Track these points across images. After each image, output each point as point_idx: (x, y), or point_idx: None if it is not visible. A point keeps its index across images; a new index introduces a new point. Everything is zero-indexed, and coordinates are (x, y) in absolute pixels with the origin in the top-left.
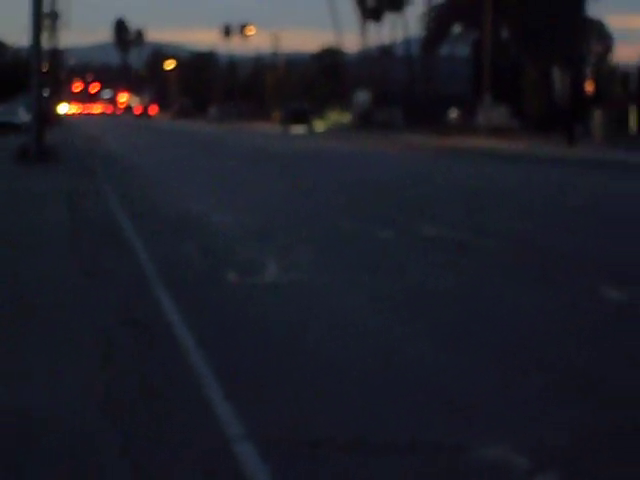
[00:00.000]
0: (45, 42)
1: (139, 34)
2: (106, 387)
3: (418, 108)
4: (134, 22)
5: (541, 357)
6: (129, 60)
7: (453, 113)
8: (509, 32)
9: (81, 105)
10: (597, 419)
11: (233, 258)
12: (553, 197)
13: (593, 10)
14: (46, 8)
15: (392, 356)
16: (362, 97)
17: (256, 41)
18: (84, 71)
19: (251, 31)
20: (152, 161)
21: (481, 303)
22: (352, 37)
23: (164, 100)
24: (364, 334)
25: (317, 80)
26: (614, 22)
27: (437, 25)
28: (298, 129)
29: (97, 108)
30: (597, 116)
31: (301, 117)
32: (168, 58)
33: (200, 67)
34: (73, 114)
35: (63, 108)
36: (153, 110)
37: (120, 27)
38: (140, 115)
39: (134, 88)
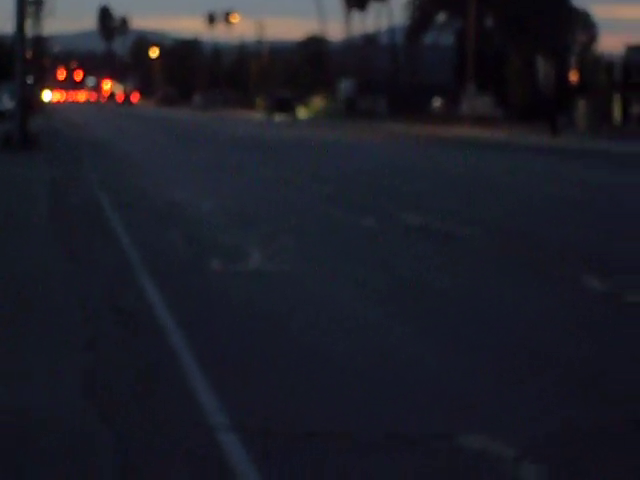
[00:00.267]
0: (29, 29)
1: (123, 22)
2: (90, 372)
3: (402, 97)
4: (118, 10)
5: (526, 347)
6: (113, 48)
7: (437, 102)
8: (493, 21)
9: (65, 92)
10: (589, 411)
11: (217, 246)
12: (536, 186)
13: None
14: None
15: (375, 344)
16: (346, 85)
17: (240, 29)
18: (68, 58)
19: (235, 19)
20: (136, 148)
21: (465, 293)
22: (336, 25)
23: (148, 88)
24: (346, 322)
25: (301, 68)
26: (599, 12)
27: (421, 14)
28: (282, 117)
29: (81, 95)
30: (581, 106)
31: (285, 105)
32: (152, 46)
33: (184, 55)
34: (57, 101)
35: (47, 95)
36: (135, 97)
37: (104, 15)
38: (122, 102)
39: (118, 76)
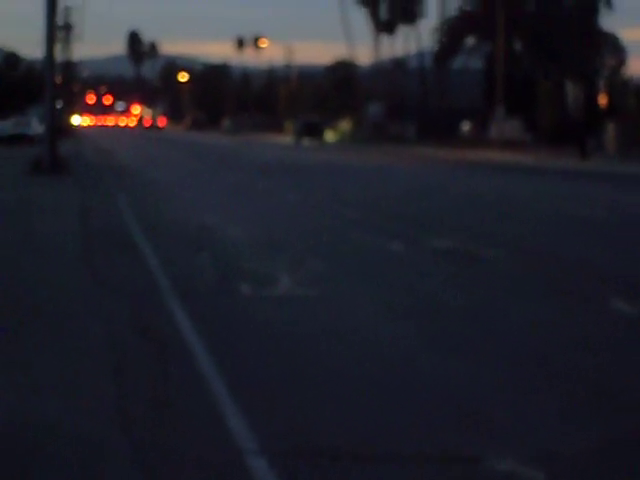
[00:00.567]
0: (59, 54)
1: (153, 46)
2: (118, 396)
3: (431, 121)
4: (148, 35)
5: (550, 369)
6: (143, 72)
7: (466, 126)
8: (522, 44)
9: (94, 117)
10: (611, 430)
11: (246, 270)
12: (565, 210)
13: (607, 23)
14: (60, 21)
15: (403, 368)
16: (375, 109)
17: (269, 53)
18: (98, 83)
19: (264, 43)
20: (164, 173)
21: (493, 316)
22: (365, 50)
23: (178, 112)
24: (375, 347)
25: (330, 92)
26: (628, 35)
27: (450, 37)
28: (310, 141)
29: (110, 120)
30: (610, 129)
31: (313, 129)
32: (181, 70)
33: (213, 79)
34: (86, 126)
35: (76, 120)
36: (162, 122)
37: (134, 39)
38: (150, 127)
39: (147, 100)
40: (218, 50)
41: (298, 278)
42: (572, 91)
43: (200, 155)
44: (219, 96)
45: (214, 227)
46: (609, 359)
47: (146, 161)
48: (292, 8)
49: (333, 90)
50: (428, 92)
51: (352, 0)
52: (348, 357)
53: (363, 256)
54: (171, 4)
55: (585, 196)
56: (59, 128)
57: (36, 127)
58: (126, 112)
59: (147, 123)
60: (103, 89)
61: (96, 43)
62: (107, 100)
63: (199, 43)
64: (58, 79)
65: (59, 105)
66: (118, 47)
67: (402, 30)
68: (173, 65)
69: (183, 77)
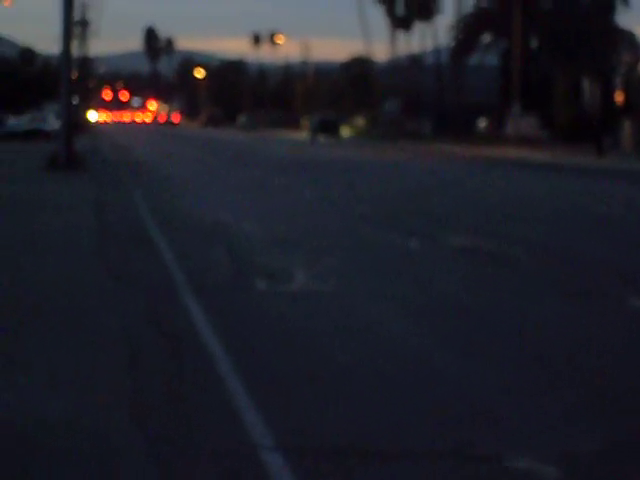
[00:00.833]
0: (75, 50)
1: (169, 42)
2: (133, 391)
3: (447, 117)
4: (164, 30)
5: (568, 367)
6: (159, 68)
7: (482, 123)
8: (539, 41)
9: (111, 113)
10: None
11: (261, 265)
12: (582, 207)
13: (624, 20)
14: (77, 16)
15: (416, 366)
16: (391, 106)
17: (286, 50)
18: (114, 79)
19: (280, 40)
20: (180, 169)
21: (511, 313)
22: (381, 46)
23: (194, 108)
24: (388, 344)
25: (346, 89)
26: None
27: (466, 34)
28: (326, 138)
29: (127, 116)
30: (627, 126)
31: (329, 126)
32: (198, 66)
33: (230, 75)
34: (103, 122)
35: (93, 116)
36: (176, 118)
37: (150, 35)
38: (164, 123)
39: (164, 96)
40: (234, 46)
41: (313, 274)
42: (588, 88)
43: (216, 151)
44: (235, 92)
45: (230, 223)
46: (628, 358)
47: (161, 157)
48: (309, 4)
49: (349, 86)
50: (444, 89)
51: None
52: (361, 353)
53: (379, 252)
54: (188, 0)
55: (602, 193)
56: (75, 124)
57: (52, 123)
58: (142, 108)
59: (162, 119)
60: (119, 85)
61: (113, 39)
62: (123, 96)
63: (215, 39)
64: (74, 75)
65: (75, 101)
66: (135, 43)
67: (418, 27)
68: (189, 61)
69: (199, 73)
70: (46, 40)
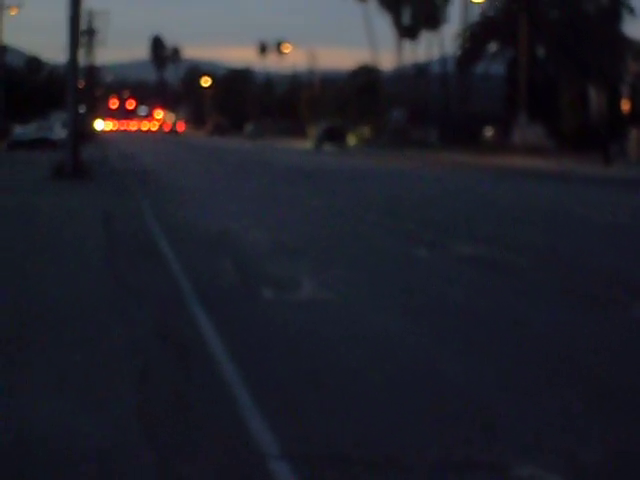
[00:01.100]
0: (82, 59)
1: (175, 51)
2: (141, 400)
3: (453, 126)
4: (170, 39)
5: (574, 374)
6: (165, 77)
7: (489, 132)
8: (545, 50)
9: (117, 122)
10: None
11: (268, 275)
12: (589, 216)
13: (630, 29)
14: (83, 25)
15: (421, 373)
16: (397, 114)
17: (292, 58)
18: (121, 88)
19: (287, 48)
20: (187, 178)
21: (516, 320)
22: (388, 55)
23: (201, 117)
24: (394, 352)
25: (352, 97)
26: None
27: (472, 43)
28: (332, 146)
29: (133, 125)
30: (633, 135)
31: (335, 134)
32: (204, 75)
33: (236, 84)
34: (109, 130)
35: (99, 124)
36: (180, 127)
37: (157, 44)
38: (169, 132)
39: (170, 105)
40: (241, 55)
41: (320, 283)
42: (595, 97)
43: (222, 160)
44: (242, 101)
45: (236, 232)
46: (629, 365)
47: (168, 166)
48: (315, 13)
49: (355, 95)
50: (450, 97)
51: (375, 6)
52: (366, 361)
53: (386, 261)
54: (194, 9)
55: (608, 202)
56: (82, 133)
57: (59, 131)
58: (149, 117)
59: (167, 128)
60: (126, 94)
61: (119, 48)
62: (130, 105)
63: (222, 48)
64: (81, 84)
65: (82, 110)
66: (141, 52)
67: (425, 35)
68: (196, 70)
69: (206, 82)
70: (53, 49)
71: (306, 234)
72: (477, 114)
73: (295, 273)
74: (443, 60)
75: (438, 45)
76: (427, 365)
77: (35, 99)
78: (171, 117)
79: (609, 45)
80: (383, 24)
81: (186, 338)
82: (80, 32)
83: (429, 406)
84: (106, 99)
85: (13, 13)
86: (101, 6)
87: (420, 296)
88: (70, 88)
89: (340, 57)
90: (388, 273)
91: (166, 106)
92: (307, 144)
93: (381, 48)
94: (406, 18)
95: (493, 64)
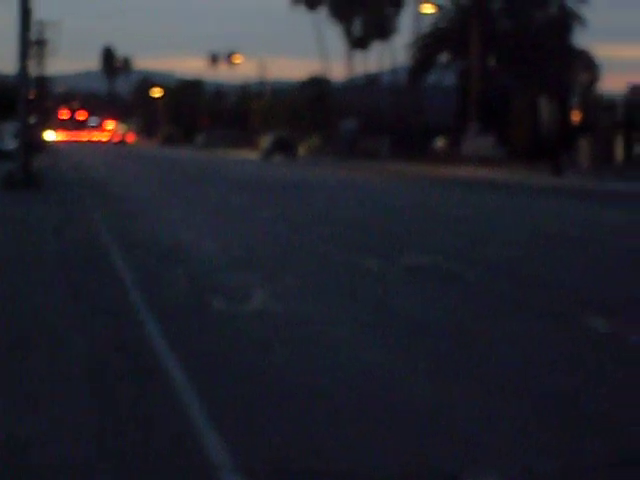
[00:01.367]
0: (33, 69)
1: (126, 62)
2: (96, 414)
3: (405, 137)
4: (122, 50)
5: (527, 387)
6: (116, 88)
7: (439, 142)
8: (496, 61)
9: (68, 132)
10: (583, 447)
11: (219, 286)
12: (538, 226)
13: (581, 39)
14: (34, 36)
15: (379, 384)
16: (348, 125)
17: (243, 69)
18: (71, 98)
19: (238, 59)
20: (136, 189)
21: (467, 332)
22: (339, 65)
23: (153, 127)
24: (347, 363)
25: (303, 108)
26: (602, 52)
27: (424, 54)
28: (281, 157)
29: (84, 135)
30: (583, 145)
31: (285, 145)
32: (155, 86)
33: (187, 95)
34: (60, 141)
35: (50, 135)
36: (130, 138)
37: (107, 55)
38: (118, 142)
39: (122, 115)
40: (192, 65)
41: (271, 294)
42: (545, 107)
43: (171, 171)
44: (193, 111)
45: (188, 243)
46: (582, 378)
47: (117, 177)
48: (266, 24)
49: (306, 105)
50: (402, 108)
51: (326, 16)
52: (318, 373)
53: (337, 273)
54: (145, 20)
55: (558, 213)
56: (33, 143)
57: (9, 143)
58: (99, 127)
59: (117, 138)
60: (76, 104)
61: (70, 58)
62: (81, 115)
63: (173, 59)
64: (32, 94)
65: (33, 120)
66: (92, 63)
67: (376, 46)
68: (147, 80)
69: (157, 92)
70: (2, 60)
71: (256, 245)
72: (429, 125)
73: (246, 284)
74: (394, 71)
75: (389, 56)
76: (373, 371)
77: None
78: (122, 128)
79: (559, 55)
80: (334, 34)
81: (140, 352)
82: (30, 42)
83: (384, 417)
84: (56, 110)
85: None
86: (52, 17)
87: (370, 307)
88: (21, 99)
89: (291, 67)
90: (338, 284)
91: (117, 117)
92: (258, 154)
93: (332, 58)
94: (357, 28)
95: (445, 75)
